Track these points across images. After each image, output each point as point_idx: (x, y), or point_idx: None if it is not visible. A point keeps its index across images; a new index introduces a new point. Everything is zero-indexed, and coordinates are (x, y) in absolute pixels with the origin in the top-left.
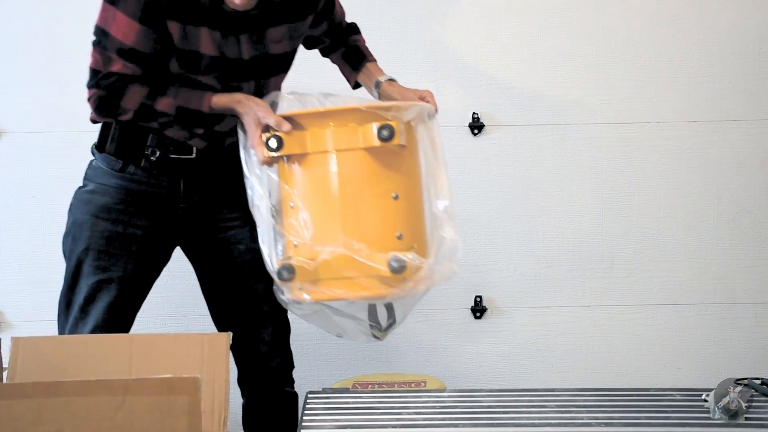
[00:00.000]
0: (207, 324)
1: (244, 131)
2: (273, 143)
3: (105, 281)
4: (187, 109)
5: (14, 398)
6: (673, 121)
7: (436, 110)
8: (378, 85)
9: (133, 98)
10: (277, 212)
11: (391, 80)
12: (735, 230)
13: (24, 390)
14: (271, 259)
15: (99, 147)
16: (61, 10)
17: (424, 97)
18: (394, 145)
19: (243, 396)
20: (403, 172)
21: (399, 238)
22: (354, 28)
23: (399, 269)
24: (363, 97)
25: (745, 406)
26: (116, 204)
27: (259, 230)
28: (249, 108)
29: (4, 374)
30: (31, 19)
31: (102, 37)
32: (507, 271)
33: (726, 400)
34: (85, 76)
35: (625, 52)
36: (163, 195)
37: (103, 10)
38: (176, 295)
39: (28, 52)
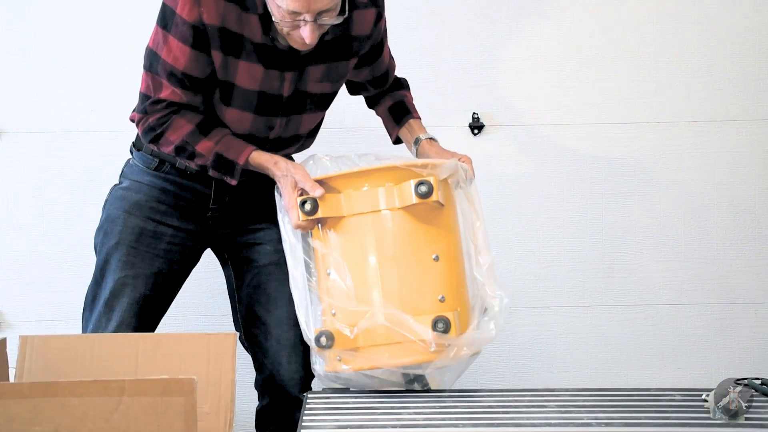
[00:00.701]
0: (207, 324)
1: (280, 194)
2: (308, 207)
3: (131, 277)
4: (224, 157)
5: (11, 398)
6: (673, 121)
7: (473, 175)
8: (417, 141)
9: (177, 132)
10: (313, 276)
11: (432, 139)
12: (735, 230)
13: (21, 390)
14: (308, 326)
15: (137, 145)
16: (62, 10)
17: (461, 159)
18: (432, 202)
19: (259, 399)
20: (442, 232)
21: (441, 300)
22: (403, 84)
23: (444, 329)
24: (400, 155)
25: (745, 406)
26: (148, 201)
27: (294, 296)
28: (287, 171)
29: (11, 373)
30: (31, 19)
31: (153, 61)
32: (507, 271)
33: (726, 400)
34: (85, 75)
35: (625, 52)
36: (195, 196)
37: (155, 34)
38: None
39: (28, 52)
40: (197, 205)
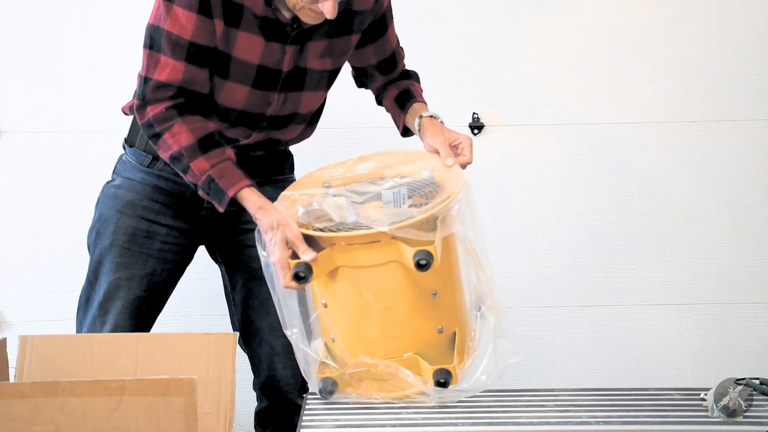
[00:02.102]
0: (207, 324)
1: (263, 246)
2: (302, 272)
3: (125, 279)
4: (216, 183)
5: (11, 398)
6: (673, 121)
7: (471, 161)
8: (419, 120)
9: (176, 138)
10: (308, 316)
11: (433, 117)
12: (735, 230)
13: (21, 390)
14: (309, 375)
15: (129, 141)
16: (62, 10)
17: (460, 142)
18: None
19: (258, 400)
20: (439, 268)
21: (440, 331)
22: (411, 75)
23: (445, 382)
24: (407, 149)
25: (744, 406)
26: (141, 200)
27: (293, 343)
28: (276, 223)
29: (12, 373)
30: (31, 19)
31: (155, 35)
32: (507, 271)
33: (725, 399)
34: (85, 76)
35: (625, 52)
36: (189, 194)
37: (156, 9)
38: (176, 295)
39: (28, 52)
40: (191, 203)
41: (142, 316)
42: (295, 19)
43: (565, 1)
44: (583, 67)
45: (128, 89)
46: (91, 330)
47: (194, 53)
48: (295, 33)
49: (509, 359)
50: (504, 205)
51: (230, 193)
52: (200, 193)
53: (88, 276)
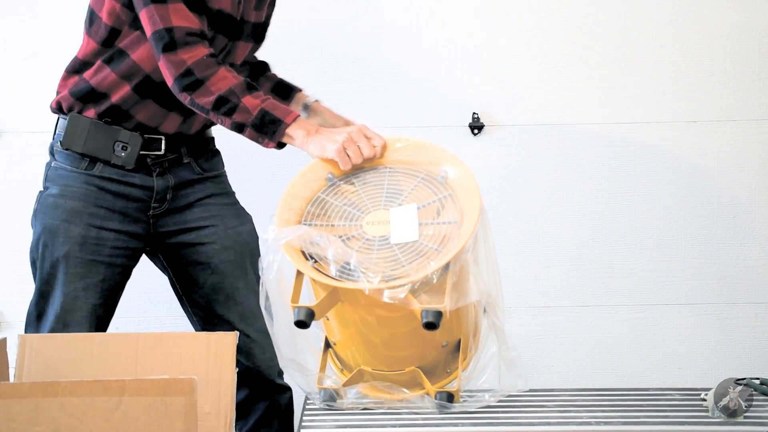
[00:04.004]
0: None
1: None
2: (303, 317)
3: (82, 289)
4: (271, 115)
5: (11, 398)
6: (673, 121)
7: (384, 149)
8: (306, 107)
9: (222, 82)
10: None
11: (317, 101)
12: (735, 230)
13: (20, 390)
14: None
15: (65, 143)
16: (62, 10)
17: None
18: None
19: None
20: (451, 314)
21: (444, 345)
22: (268, 65)
23: (447, 406)
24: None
25: (745, 406)
26: (86, 207)
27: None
28: (344, 129)
29: (11, 373)
30: (31, 18)
31: None
32: (507, 271)
33: (725, 399)
34: None
35: (625, 52)
36: (135, 194)
37: None
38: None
39: (28, 52)
40: (138, 205)
41: (99, 322)
42: None
43: (565, 1)
44: (583, 67)
45: None
46: None
47: (194, 2)
48: None
49: (514, 389)
50: (504, 205)
51: (288, 120)
52: (247, 132)
53: (39, 289)
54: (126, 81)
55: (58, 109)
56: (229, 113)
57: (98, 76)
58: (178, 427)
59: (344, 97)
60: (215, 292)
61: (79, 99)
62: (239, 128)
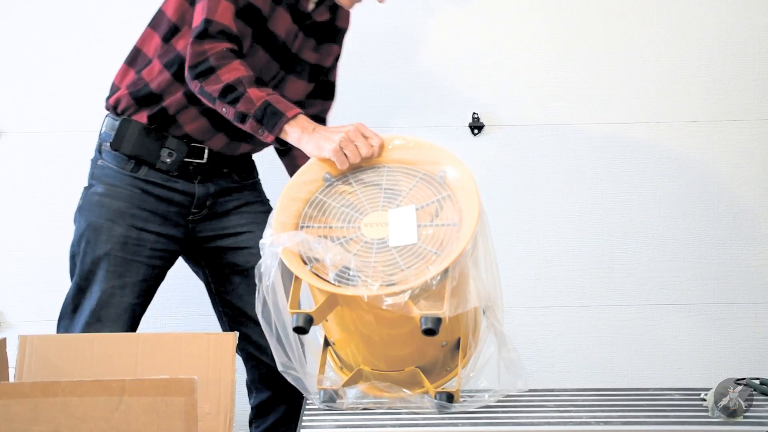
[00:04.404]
0: (207, 324)
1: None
2: (302, 323)
3: (119, 287)
4: (273, 107)
5: (11, 398)
6: (673, 121)
7: (380, 150)
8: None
9: (232, 72)
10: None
11: None
12: (735, 230)
13: (21, 389)
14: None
15: (114, 145)
16: (62, 10)
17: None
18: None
19: (254, 394)
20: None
21: (444, 345)
22: None
23: (446, 406)
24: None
25: (744, 406)
26: (130, 208)
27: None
28: (340, 126)
29: (11, 373)
30: (32, 18)
31: None
32: (507, 271)
33: (725, 399)
34: (85, 75)
35: (625, 52)
36: (177, 199)
37: None
38: (176, 295)
39: (28, 52)
40: (178, 209)
41: (133, 320)
42: (311, 13)
43: (565, 1)
44: (583, 67)
45: None
46: None
47: (247, 11)
48: (308, 23)
49: (514, 389)
50: (504, 205)
51: (289, 114)
52: (248, 124)
53: (77, 284)
54: (180, 84)
55: (113, 107)
56: (233, 102)
57: (156, 76)
58: (178, 427)
59: (345, 97)
60: (249, 294)
61: (135, 100)
62: (242, 118)
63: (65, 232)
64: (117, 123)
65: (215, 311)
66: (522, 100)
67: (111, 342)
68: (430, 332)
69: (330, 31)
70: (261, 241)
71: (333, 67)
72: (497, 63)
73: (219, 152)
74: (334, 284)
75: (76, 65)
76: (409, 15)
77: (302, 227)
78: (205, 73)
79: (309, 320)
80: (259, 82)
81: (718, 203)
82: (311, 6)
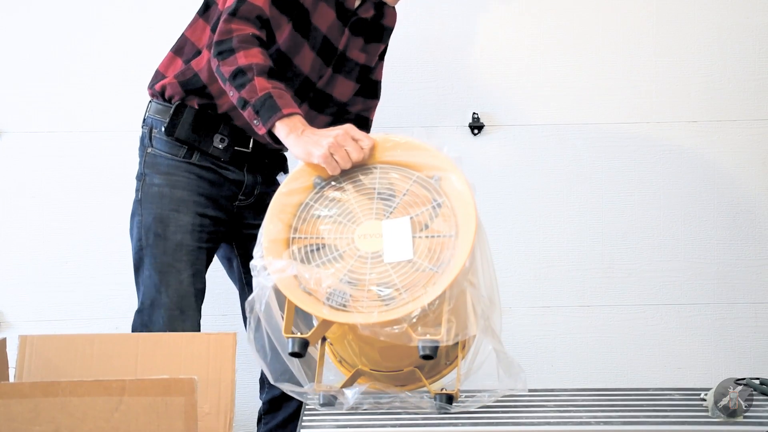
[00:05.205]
0: (207, 324)
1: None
2: (297, 348)
3: (192, 275)
4: (273, 101)
5: (11, 398)
6: (673, 121)
7: (371, 152)
8: None
9: (249, 58)
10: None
11: None
12: (735, 230)
13: (21, 389)
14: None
15: (168, 130)
16: (62, 10)
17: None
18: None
19: (267, 389)
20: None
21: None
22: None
23: (446, 407)
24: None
25: (744, 406)
26: (190, 196)
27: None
28: (332, 129)
29: (11, 373)
30: (31, 18)
31: None
32: (507, 271)
33: (725, 399)
34: (85, 75)
35: (625, 52)
36: (227, 185)
37: None
38: None
39: (28, 52)
40: (228, 195)
41: (200, 307)
42: (356, 10)
43: (565, 1)
44: (583, 67)
45: (128, 89)
46: (172, 329)
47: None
48: (353, 20)
49: (514, 389)
50: (504, 205)
51: (286, 111)
52: (247, 112)
53: (151, 277)
54: None
55: (159, 94)
56: (240, 87)
57: (204, 66)
58: (178, 427)
59: None
60: None
61: (184, 89)
62: (243, 104)
63: (65, 232)
64: (170, 109)
65: (241, 299)
66: (522, 100)
67: (111, 342)
68: (428, 357)
69: (377, 30)
70: (252, 263)
71: (377, 65)
72: (497, 63)
73: (261, 144)
74: (329, 306)
75: (76, 65)
76: (409, 15)
77: (293, 239)
78: (224, 54)
79: (304, 344)
80: (273, 74)
81: (718, 203)
82: (356, 2)
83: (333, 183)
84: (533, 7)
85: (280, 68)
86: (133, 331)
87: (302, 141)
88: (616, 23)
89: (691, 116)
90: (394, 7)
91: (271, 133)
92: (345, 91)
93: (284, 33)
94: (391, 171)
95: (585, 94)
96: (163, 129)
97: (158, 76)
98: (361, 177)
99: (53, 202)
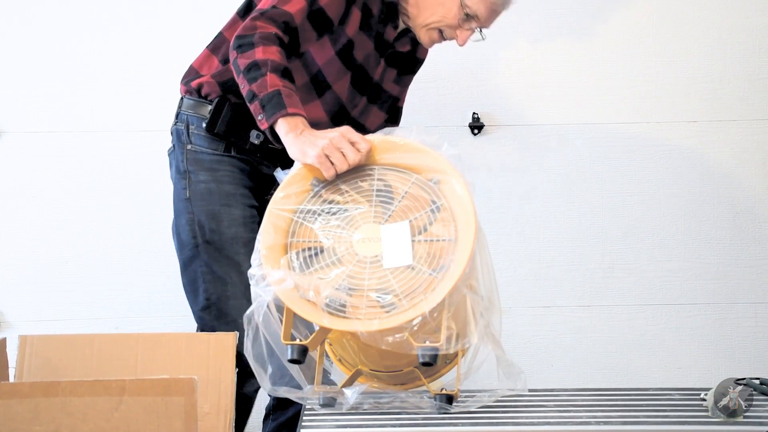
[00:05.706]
0: None
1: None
2: (296, 356)
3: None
4: (280, 98)
5: (11, 398)
6: (673, 121)
7: (368, 154)
8: None
9: (266, 53)
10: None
11: None
12: (735, 230)
13: (21, 389)
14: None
15: (209, 126)
16: (62, 10)
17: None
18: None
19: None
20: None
21: None
22: None
23: (446, 408)
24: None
25: (744, 406)
26: (237, 189)
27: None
28: (328, 131)
29: (11, 372)
30: (32, 19)
31: None
32: (507, 271)
33: (725, 399)
34: (85, 75)
35: (625, 52)
36: (263, 178)
37: None
38: (177, 294)
39: (28, 52)
40: (262, 188)
41: None
42: (393, 43)
43: (565, 1)
44: (583, 67)
45: (128, 89)
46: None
47: (317, 16)
48: (389, 53)
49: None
50: (504, 205)
51: (290, 110)
52: (253, 105)
53: (212, 273)
54: None
55: (195, 91)
56: (252, 80)
57: None
58: (178, 427)
59: None
60: None
61: (222, 88)
62: (251, 98)
63: (65, 232)
64: (207, 105)
65: None
66: (522, 100)
67: (111, 342)
68: (428, 365)
69: (410, 62)
70: (250, 271)
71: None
72: (497, 63)
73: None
74: (328, 313)
75: (76, 65)
76: None
77: (291, 243)
78: (244, 47)
79: (303, 351)
80: (287, 75)
81: (718, 203)
82: (393, 35)
83: (330, 185)
84: (533, 7)
85: (318, 92)
86: (203, 330)
87: (299, 141)
88: (616, 24)
89: (691, 116)
90: None
91: (273, 130)
92: (376, 122)
93: (307, 44)
94: (389, 173)
95: (585, 94)
96: (203, 125)
97: (193, 72)
98: (358, 180)
99: (53, 202)
